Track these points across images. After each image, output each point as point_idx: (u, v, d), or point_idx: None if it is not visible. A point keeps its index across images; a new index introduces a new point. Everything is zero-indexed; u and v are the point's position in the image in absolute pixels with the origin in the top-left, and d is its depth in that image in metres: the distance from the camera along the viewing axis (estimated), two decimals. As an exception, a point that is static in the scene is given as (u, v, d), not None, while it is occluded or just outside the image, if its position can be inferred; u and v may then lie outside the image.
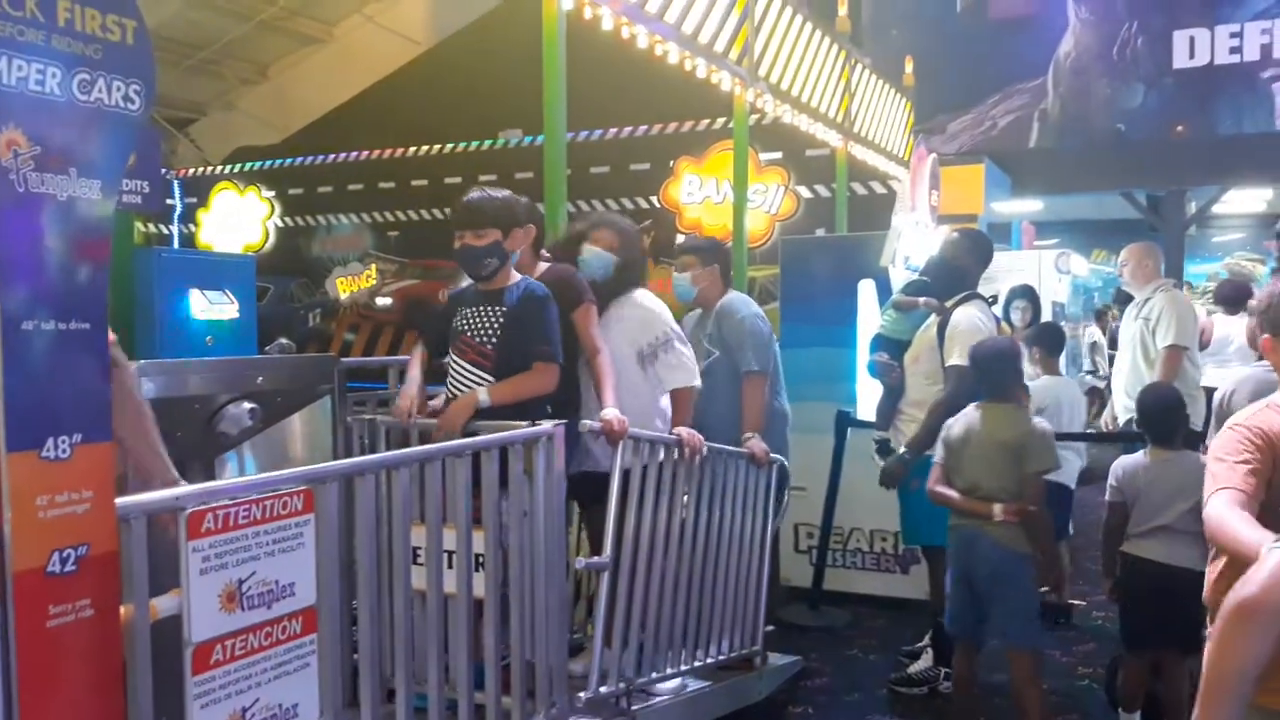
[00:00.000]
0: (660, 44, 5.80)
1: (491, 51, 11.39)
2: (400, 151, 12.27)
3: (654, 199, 11.20)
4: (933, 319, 4.59)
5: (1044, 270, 8.98)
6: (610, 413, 3.27)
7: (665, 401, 3.79)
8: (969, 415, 3.84)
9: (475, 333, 3.27)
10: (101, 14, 1.63)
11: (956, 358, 4.22)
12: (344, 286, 12.85)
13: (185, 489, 1.86)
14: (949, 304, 4.50)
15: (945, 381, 4.34)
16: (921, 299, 4.67)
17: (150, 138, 2.70)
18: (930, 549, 4.49)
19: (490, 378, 3.19)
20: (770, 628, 4.63)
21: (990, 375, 3.83)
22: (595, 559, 3.16)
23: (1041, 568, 3.77)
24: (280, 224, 13.55)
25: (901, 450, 4.46)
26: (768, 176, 10.78)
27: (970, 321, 4.31)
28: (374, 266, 12.63)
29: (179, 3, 11.80)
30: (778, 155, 10.69)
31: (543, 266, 3.72)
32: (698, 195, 11.01)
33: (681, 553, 3.61)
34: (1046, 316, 7.55)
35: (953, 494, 3.79)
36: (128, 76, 1.66)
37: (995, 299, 4.89)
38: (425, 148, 12.03)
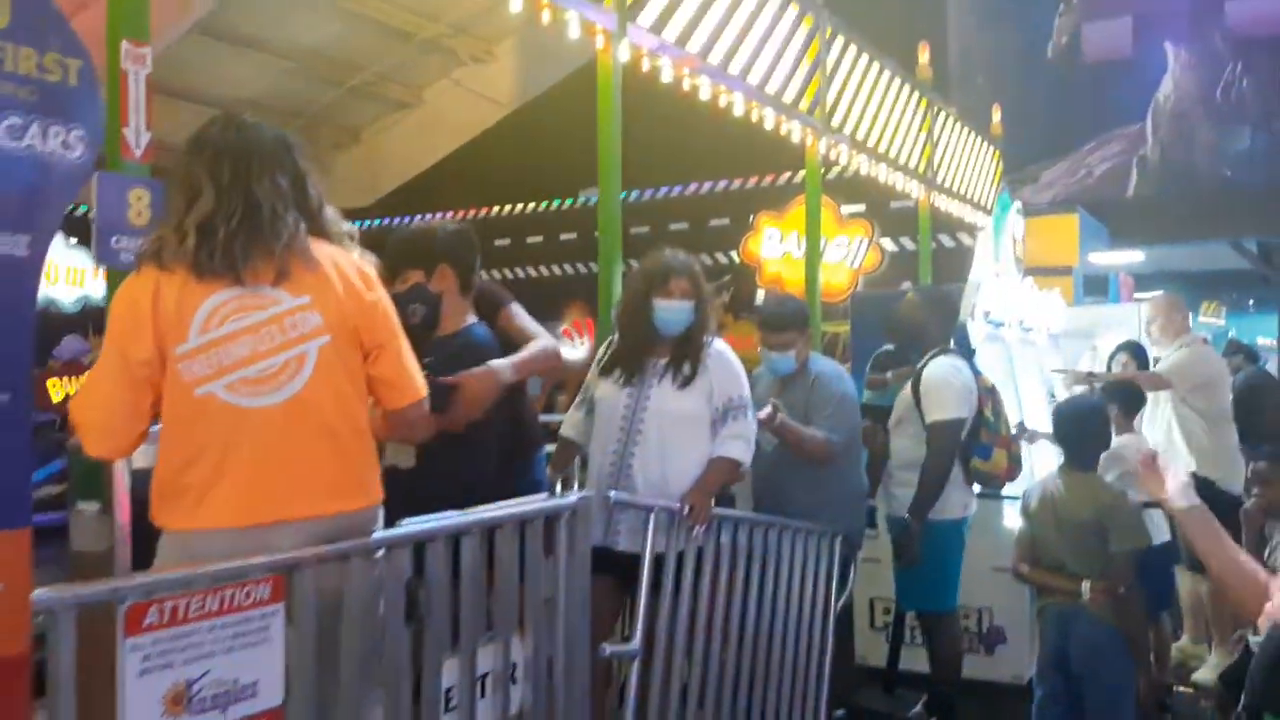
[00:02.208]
0: (725, 94, 5.64)
1: (573, 112, 11.37)
2: (484, 211, 12.36)
3: (734, 254, 11.00)
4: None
5: (1144, 324, 8.46)
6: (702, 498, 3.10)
7: None
8: (1047, 485, 3.51)
9: None
10: (38, 53, 1.51)
11: (936, 413, 4.23)
12: (429, 344, 12.89)
13: (125, 579, 1.69)
14: (920, 364, 4.41)
15: (929, 438, 4.25)
16: (889, 373, 4.70)
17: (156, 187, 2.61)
18: (926, 615, 4.42)
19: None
20: (841, 712, 4.31)
21: (1069, 440, 3.51)
22: (623, 646, 2.91)
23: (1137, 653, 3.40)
24: (369, 285, 13.70)
25: (905, 518, 4.26)
26: (851, 229, 10.48)
27: (942, 374, 4.30)
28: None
29: (275, 71, 12.14)
30: (861, 208, 10.40)
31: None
32: (778, 250, 10.77)
33: (728, 637, 3.33)
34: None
35: (1039, 574, 3.46)
36: (68, 121, 1.53)
37: (973, 352, 4.69)
38: (508, 207, 12.09)
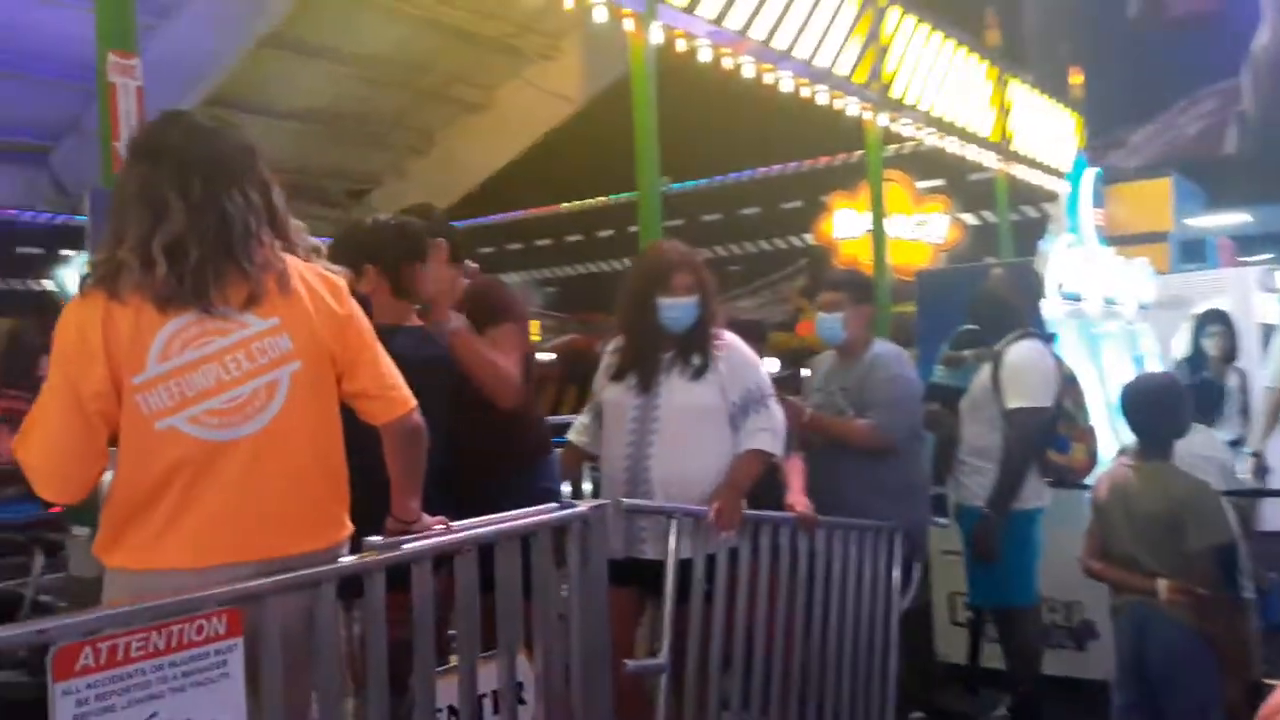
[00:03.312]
0: (770, 72, 5.42)
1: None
2: (554, 208, 12.33)
3: (807, 237, 10.75)
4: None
5: (1249, 290, 7.92)
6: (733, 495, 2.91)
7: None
8: (1117, 475, 3.22)
9: None
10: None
11: (1016, 399, 3.95)
12: (507, 344, 12.95)
13: (56, 619, 1.59)
14: (1000, 345, 4.10)
15: (1008, 426, 3.97)
16: (969, 352, 4.40)
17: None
18: (1001, 611, 4.16)
19: None
20: (918, 714, 4.08)
21: (1142, 425, 3.20)
22: (649, 661, 2.75)
23: (1225, 659, 3.09)
24: (446, 287, 13.86)
25: (978, 508, 4.00)
26: (928, 205, 10.15)
27: (1026, 358, 4.01)
28: (534, 323, 12.67)
29: (345, 79, 12.27)
30: (939, 182, 10.05)
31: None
32: (854, 230, 10.47)
33: (773, 645, 3.14)
34: (1253, 341, 6.61)
35: (1109, 570, 3.18)
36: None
37: (1054, 337, 4.36)
38: (578, 202, 12.04)
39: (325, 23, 10.27)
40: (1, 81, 8.35)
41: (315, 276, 2.03)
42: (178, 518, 1.84)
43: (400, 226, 2.82)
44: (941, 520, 4.46)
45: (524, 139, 13.76)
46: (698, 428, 3.12)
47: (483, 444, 2.90)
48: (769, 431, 3.18)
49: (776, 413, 3.23)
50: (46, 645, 1.55)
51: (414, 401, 2.08)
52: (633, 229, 11.35)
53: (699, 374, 3.16)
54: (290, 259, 1.99)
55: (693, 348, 3.18)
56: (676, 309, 3.19)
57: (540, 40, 12.57)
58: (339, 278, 2.09)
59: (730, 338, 3.29)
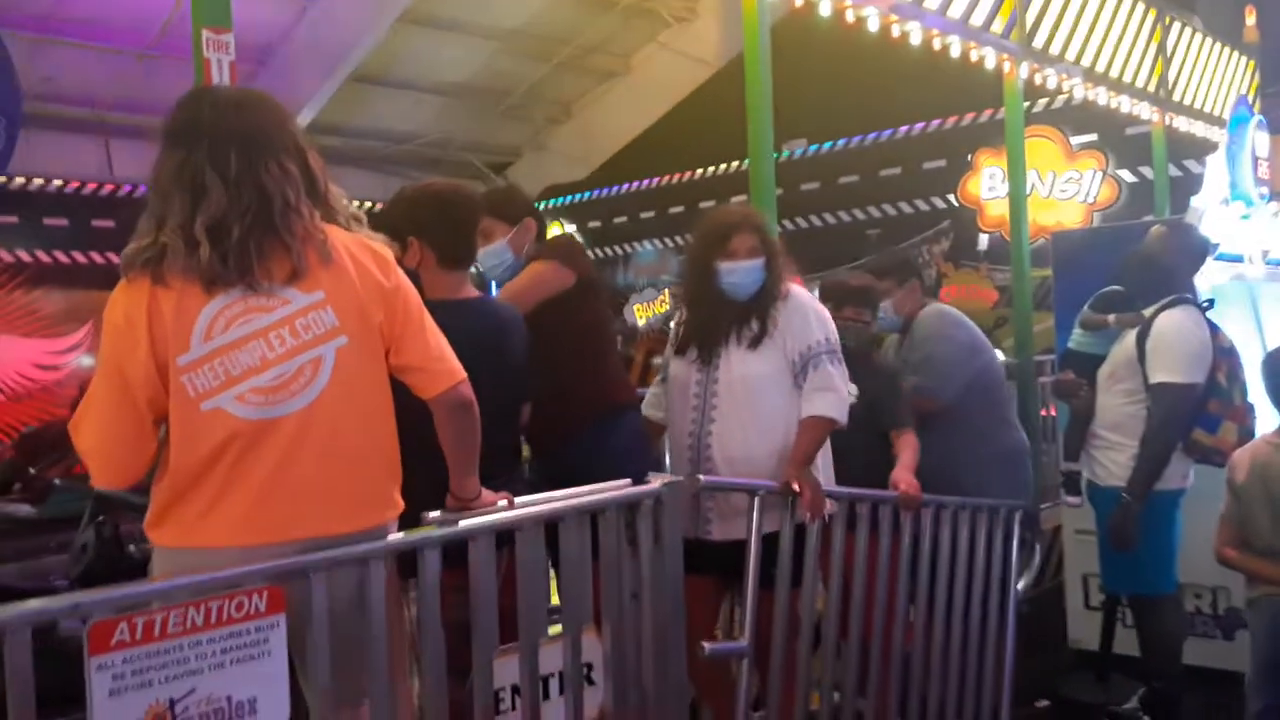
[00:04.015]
0: (898, 24, 5.14)
1: (779, 63, 10.98)
2: (687, 175, 12.20)
3: (951, 197, 10.25)
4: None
5: None
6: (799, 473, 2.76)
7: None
8: (1259, 453, 2.94)
9: None
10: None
11: (1163, 373, 3.60)
12: (640, 313, 12.90)
13: (91, 593, 1.61)
14: (1149, 311, 3.76)
15: (1152, 402, 3.64)
16: (1111, 316, 3.99)
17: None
18: (1140, 599, 3.88)
19: None
20: (1045, 703, 3.87)
21: (1283, 398, 2.90)
22: (729, 644, 2.65)
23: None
24: (586, 257, 13.93)
25: (1113, 489, 3.74)
26: (1081, 162, 9.54)
27: (1178, 328, 3.65)
28: (666, 291, 12.57)
29: (484, 53, 12.41)
30: (1092, 137, 9.43)
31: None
32: (1000, 189, 9.95)
33: (872, 630, 3.00)
34: None
35: (1246, 559, 2.90)
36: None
37: (1210, 304, 3.92)
38: (711, 169, 11.86)
39: (460, -4, 10.39)
40: (75, 51, 8.70)
41: (360, 247, 2.00)
42: (222, 496, 1.84)
43: (445, 197, 2.68)
44: (1072, 500, 4.19)
45: (661, 104, 13.64)
46: (759, 399, 2.97)
47: (547, 408, 2.83)
48: (828, 391, 2.97)
49: (837, 369, 3.01)
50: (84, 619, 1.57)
51: (463, 374, 2.03)
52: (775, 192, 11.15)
53: (757, 341, 3.00)
54: (332, 229, 1.97)
55: (753, 314, 3.02)
56: (737, 273, 3.05)
57: (677, 3, 12.42)
58: (385, 248, 2.05)
59: (796, 292, 3.09)
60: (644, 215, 12.93)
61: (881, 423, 3.47)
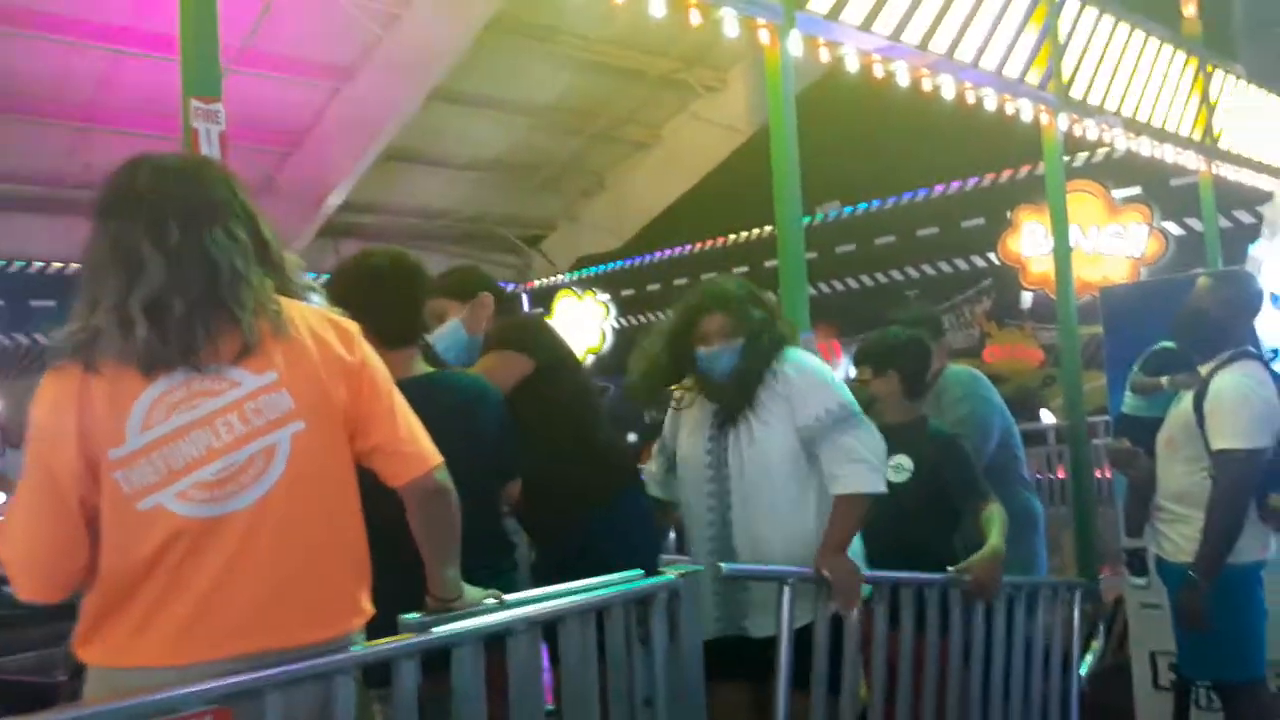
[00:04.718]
0: (928, 78, 4.97)
1: (808, 127, 10.88)
2: (720, 241, 12.11)
3: (991, 255, 10.00)
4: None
5: None
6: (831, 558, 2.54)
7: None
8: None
9: None
10: None
11: (1224, 440, 3.29)
12: (677, 380, 12.74)
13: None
14: (1205, 369, 3.47)
15: (1216, 471, 3.31)
16: (1164, 379, 3.75)
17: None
18: (1225, 685, 3.52)
19: None
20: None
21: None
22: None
23: None
24: (616, 325, 13.81)
25: (1181, 566, 3.43)
26: (1126, 216, 9.27)
27: (1235, 389, 3.33)
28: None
29: (517, 128, 12.46)
30: (1136, 190, 9.17)
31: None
32: (1043, 245, 9.68)
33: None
34: None
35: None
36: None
37: (1276, 354, 3.64)
38: (744, 234, 11.75)
39: (494, 74, 10.42)
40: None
41: (320, 320, 1.78)
42: (160, 608, 1.61)
43: (373, 269, 2.46)
44: (1138, 581, 3.90)
45: (693, 173, 13.63)
46: (775, 480, 2.74)
47: (536, 494, 2.65)
48: (858, 463, 2.68)
49: (866, 437, 2.73)
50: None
51: (438, 458, 1.80)
52: (808, 255, 10.98)
53: (759, 418, 2.78)
54: (289, 302, 1.76)
55: (742, 394, 2.80)
56: (711, 360, 2.87)
57: (707, 73, 12.42)
58: (349, 320, 1.84)
59: (798, 358, 2.86)
60: (677, 282, 12.81)
61: (951, 499, 3.22)
